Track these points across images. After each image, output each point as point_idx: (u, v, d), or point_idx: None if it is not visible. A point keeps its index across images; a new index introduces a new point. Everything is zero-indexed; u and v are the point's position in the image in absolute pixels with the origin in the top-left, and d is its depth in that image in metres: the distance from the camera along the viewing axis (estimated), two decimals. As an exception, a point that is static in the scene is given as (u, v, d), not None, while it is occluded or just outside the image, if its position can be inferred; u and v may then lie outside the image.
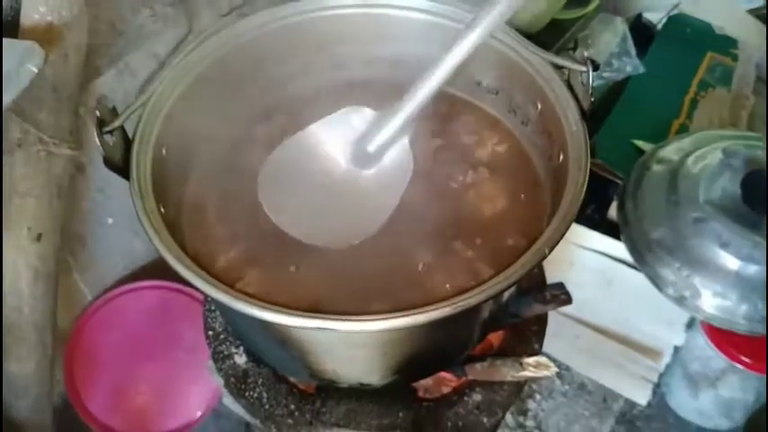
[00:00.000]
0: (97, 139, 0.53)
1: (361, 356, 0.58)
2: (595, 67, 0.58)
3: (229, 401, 1.05)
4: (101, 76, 0.94)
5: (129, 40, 0.98)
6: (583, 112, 0.60)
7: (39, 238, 0.82)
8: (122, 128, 0.58)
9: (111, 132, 0.55)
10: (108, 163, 0.55)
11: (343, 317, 0.49)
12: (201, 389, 1.09)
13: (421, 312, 0.49)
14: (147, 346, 1.09)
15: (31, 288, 0.82)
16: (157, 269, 1.12)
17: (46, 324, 0.85)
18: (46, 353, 0.87)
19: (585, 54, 0.58)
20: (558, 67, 0.63)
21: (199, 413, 1.09)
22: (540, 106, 0.65)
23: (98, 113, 0.54)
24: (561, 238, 0.53)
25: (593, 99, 0.59)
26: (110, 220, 1.04)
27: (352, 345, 0.56)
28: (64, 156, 0.83)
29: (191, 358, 1.09)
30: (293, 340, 0.57)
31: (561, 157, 0.61)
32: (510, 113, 0.71)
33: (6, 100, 0.62)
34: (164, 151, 0.61)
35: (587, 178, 0.56)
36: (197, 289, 0.52)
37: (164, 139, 0.61)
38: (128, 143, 0.58)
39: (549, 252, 0.52)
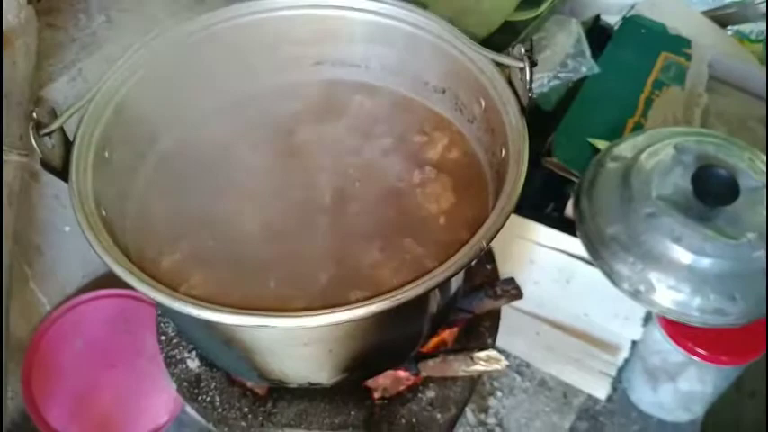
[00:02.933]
0: (33, 141, 0.53)
1: (306, 354, 0.58)
2: (533, 64, 0.59)
3: (191, 409, 1.04)
4: (53, 83, 0.93)
5: (82, 47, 0.98)
6: (522, 108, 0.61)
7: (-11, 246, 0.81)
8: (62, 130, 0.57)
9: (49, 135, 0.55)
10: (45, 165, 0.55)
11: (282, 313, 0.49)
12: (164, 397, 1.08)
13: (359, 306, 0.49)
14: (107, 356, 1.08)
15: (-20, 297, 0.81)
16: (116, 278, 1.11)
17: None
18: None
19: (523, 51, 0.59)
20: (499, 65, 0.65)
21: (161, 422, 1.08)
22: (483, 104, 0.66)
23: (35, 115, 0.54)
24: (498, 231, 0.53)
25: (531, 95, 0.60)
26: (67, 228, 1.03)
27: (295, 343, 0.56)
28: (14, 162, 0.82)
29: (152, 367, 1.08)
30: (238, 340, 0.57)
31: (503, 152, 0.62)
32: (456, 111, 0.72)
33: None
34: (106, 153, 0.61)
35: (525, 173, 0.57)
36: (135, 290, 0.52)
37: (107, 140, 0.61)
38: (68, 145, 0.58)
39: (487, 244, 0.53)
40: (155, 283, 0.51)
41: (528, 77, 0.58)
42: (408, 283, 0.52)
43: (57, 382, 1.05)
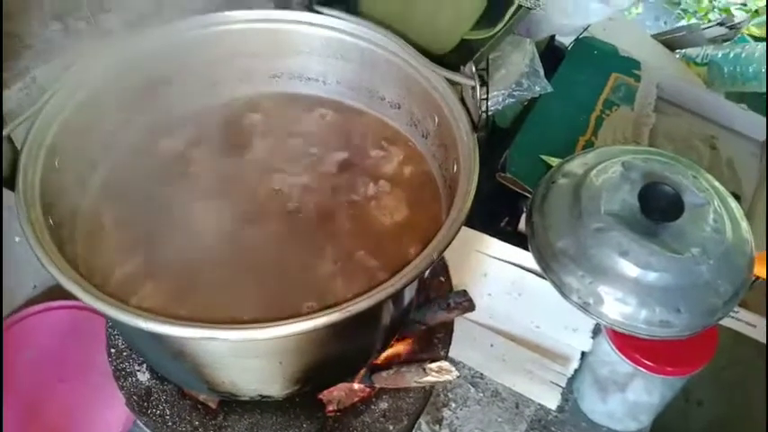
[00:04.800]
0: (-23, 150, 0.52)
1: (256, 367, 0.58)
2: (483, 83, 0.61)
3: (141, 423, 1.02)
4: (6, 90, 0.91)
5: (37, 54, 0.96)
6: (474, 125, 0.63)
7: (-67, 256, 0.79)
8: (10, 138, 0.57)
9: (-5, 143, 0.54)
10: (-8, 174, 0.54)
11: (231, 326, 0.49)
12: (117, 412, 1.05)
13: (309, 319, 0.50)
14: (58, 369, 1.05)
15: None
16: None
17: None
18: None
19: (474, 69, 0.61)
20: (452, 83, 0.66)
21: (114, 436, 1.06)
22: (437, 120, 0.68)
23: (-20, 124, 0.53)
24: (449, 244, 0.55)
25: (483, 112, 0.62)
26: (17, 239, 1.01)
27: (245, 355, 0.56)
28: (-39, 170, 0.80)
29: (105, 380, 1.05)
30: (187, 353, 0.57)
31: (455, 167, 0.64)
32: (411, 127, 0.74)
33: None
34: (56, 163, 0.60)
35: (475, 188, 0.59)
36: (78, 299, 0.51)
37: (57, 149, 0.60)
38: (15, 153, 0.57)
39: (438, 257, 0.54)
40: (101, 295, 0.50)
41: (479, 95, 0.60)
42: (360, 295, 0.53)
43: (5, 395, 1.02)
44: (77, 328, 1.07)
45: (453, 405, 1.05)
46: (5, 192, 0.95)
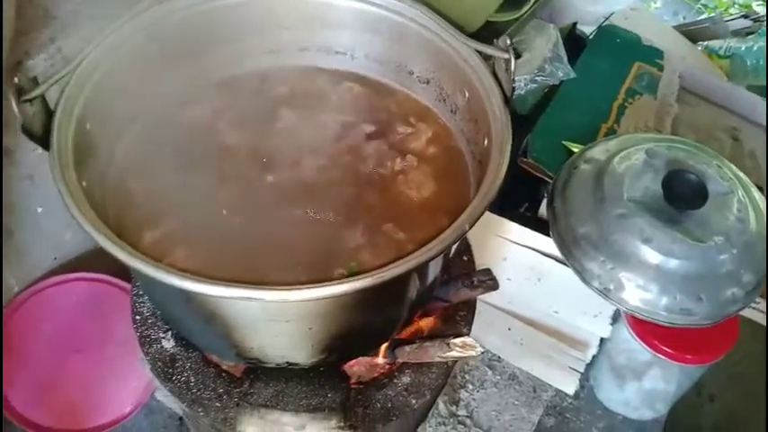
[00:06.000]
0: (15, 106, 0.52)
1: (286, 332, 0.58)
2: (517, 56, 0.60)
3: (162, 395, 1.03)
4: (30, 60, 0.92)
5: (62, 25, 0.97)
6: (506, 99, 0.62)
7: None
8: (43, 98, 0.57)
9: (30, 101, 0.54)
10: (26, 131, 0.54)
11: (265, 286, 0.49)
12: (133, 384, 1.07)
13: (343, 282, 0.50)
14: (76, 340, 1.06)
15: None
16: (89, 262, 1.10)
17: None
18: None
19: (508, 42, 0.60)
20: (484, 58, 0.66)
21: (129, 408, 1.07)
22: (467, 94, 0.68)
23: (17, 80, 0.53)
24: (481, 215, 0.55)
25: (515, 86, 0.62)
26: (39, 209, 1.02)
27: (276, 319, 0.56)
28: (-13, 137, 0.81)
29: (122, 352, 1.06)
30: (218, 316, 0.57)
31: (486, 142, 0.63)
32: (439, 102, 0.74)
33: None
34: (88, 126, 0.60)
35: (508, 160, 0.58)
36: (119, 261, 0.51)
37: (88, 113, 0.60)
38: (49, 114, 0.57)
39: (470, 227, 0.54)
40: (139, 254, 0.50)
41: (512, 68, 0.60)
42: (391, 262, 0.53)
43: (23, 365, 1.03)
44: (95, 301, 1.08)
45: (470, 387, 1.05)
46: (27, 159, 0.95)
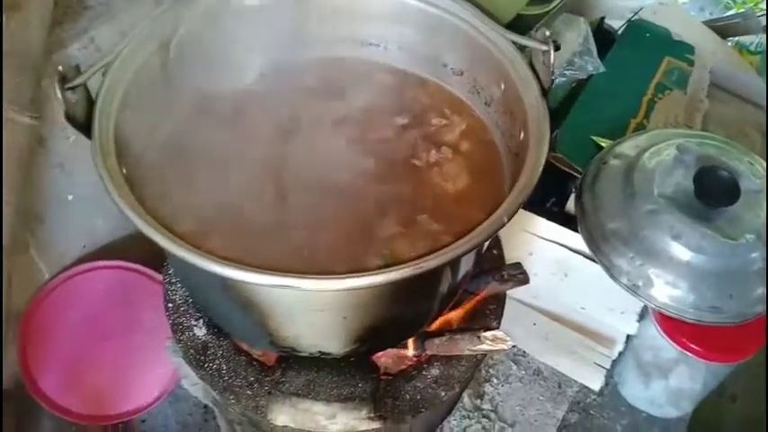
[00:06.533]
0: (59, 94, 0.53)
1: (320, 321, 0.59)
2: (557, 47, 0.60)
3: (187, 384, 1.04)
4: (65, 49, 0.93)
5: (96, 15, 0.97)
6: (543, 90, 0.62)
7: (-5, 208, 0.81)
8: (85, 87, 0.57)
9: (73, 89, 0.55)
10: (69, 119, 0.55)
11: (304, 275, 0.49)
12: (159, 372, 1.08)
13: (382, 272, 0.50)
14: (104, 327, 1.08)
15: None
16: (118, 250, 1.11)
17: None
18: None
19: (547, 33, 0.60)
20: (520, 48, 0.66)
21: (155, 396, 1.08)
22: (503, 86, 0.67)
23: (60, 68, 0.54)
24: (519, 207, 0.54)
25: (554, 78, 0.61)
26: (70, 197, 1.03)
27: (312, 308, 0.57)
28: (24, 124, 0.82)
29: (149, 341, 1.08)
30: (255, 304, 0.57)
31: (522, 134, 0.63)
32: (473, 94, 0.73)
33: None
34: (127, 114, 0.61)
35: (546, 152, 0.58)
36: (158, 247, 0.52)
37: (128, 101, 0.61)
38: (91, 102, 0.58)
39: (508, 220, 0.54)
40: (181, 241, 0.51)
41: (551, 60, 0.59)
42: (427, 253, 0.53)
43: (52, 351, 1.04)
44: (124, 289, 1.09)
45: (495, 381, 1.05)
46: (59, 147, 0.97)
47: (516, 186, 0.56)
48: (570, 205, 1.12)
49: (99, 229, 1.08)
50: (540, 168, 0.57)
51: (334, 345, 0.63)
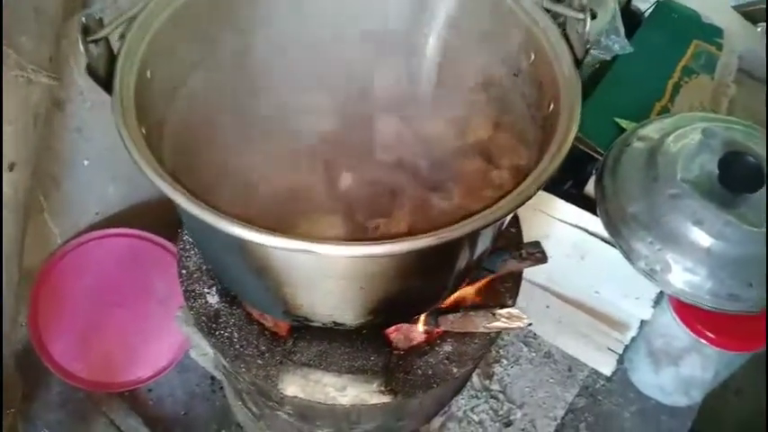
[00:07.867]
0: (81, 46, 0.52)
1: (337, 290, 0.58)
2: (593, 16, 0.58)
3: (195, 354, 1.04)
4: (85, 8, 0.91)
5: (117, -25, 0.96)
6: (577, 61, 0.60)
7: (11, 167, 0.80)
8: (107, 41, 0.56)
9: (96, 42, 0.54)
10: (91, 73, 0.53)
11: (325, 240, 0.48)
12: (168, 341, 1.08)
13: (402, 241, 0.49)
14: (115, 294, 1.08)
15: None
16: (131, 217, 1.10)
17: (12, 253, 0.83)
18: (11, 283, 0.84)
19: (584, 2, 0.58)
20: (554, 17, 0.63)
21: (163, 365, 1.08)
22: (533, 56, 0.65)
23: (84, 20, 0.52)
24: (548, 179, 0.53)
25: (588, 47, 0.59)
26: (86, 162, 1.02)
27: (329, 275, 0.55)
28: (42, 84, 0.81)
29: (159, 309, 1.07)
30: (271, 269, 0.56)
31: (551, 106, 0.61)
32: (501, 65, 0.71)
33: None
34: (148, 74, 0.59)
35: (579, 122, 0.56)
36: (174, 211, 0.50)
37: (149, 60, 0.59)
38: (112, 57, 0.57)
39: (536, 191, 0.52)
40: (198, 201, 0.50)
41: (587, 29, 0.57)
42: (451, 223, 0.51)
43: (63, 316, 1.04)
44: (135, 257, 1.09)
45: (504, 362, 1.04)
46: (78, 111, 0.96)
47: (545, 157, 0.54)
48: (589, 188, 1.11)
49: (112, 195, 1.08)
50: (571, 140, 0.55)
51: (349, 315, 0.62)
